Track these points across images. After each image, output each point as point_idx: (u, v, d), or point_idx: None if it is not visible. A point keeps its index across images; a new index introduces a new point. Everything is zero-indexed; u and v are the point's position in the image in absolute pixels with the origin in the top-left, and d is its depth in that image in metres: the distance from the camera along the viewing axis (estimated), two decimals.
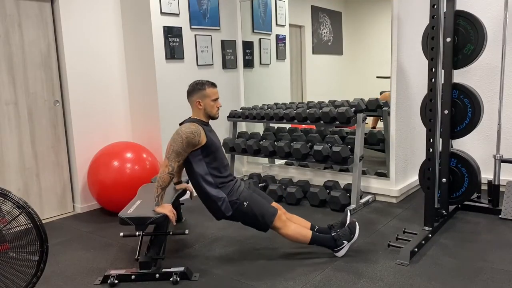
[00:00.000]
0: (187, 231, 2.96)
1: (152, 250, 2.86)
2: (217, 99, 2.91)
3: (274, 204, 3.08)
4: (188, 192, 3.29)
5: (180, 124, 2.88)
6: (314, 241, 2.91)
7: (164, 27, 4.23)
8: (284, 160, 4.93)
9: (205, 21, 4.62)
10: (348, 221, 3.02)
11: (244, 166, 5.27)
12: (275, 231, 2.90)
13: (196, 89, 2.88)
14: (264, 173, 4.90)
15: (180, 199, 3.49)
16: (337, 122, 3.96)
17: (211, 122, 2.98)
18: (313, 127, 4.66)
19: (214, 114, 2.92)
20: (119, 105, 4.48)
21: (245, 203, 2.85)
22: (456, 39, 3.32)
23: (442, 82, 3.25)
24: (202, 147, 2.81)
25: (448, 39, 3.27)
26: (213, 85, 2.92)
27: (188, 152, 2.78)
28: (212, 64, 4.75)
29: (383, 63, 4.26)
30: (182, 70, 4.44)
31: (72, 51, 4.06)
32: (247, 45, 5.17)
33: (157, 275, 2.71)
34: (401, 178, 4.15)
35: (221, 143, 4.73)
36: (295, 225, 2.93)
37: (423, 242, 3.02)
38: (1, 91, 3.73)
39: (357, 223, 2.96)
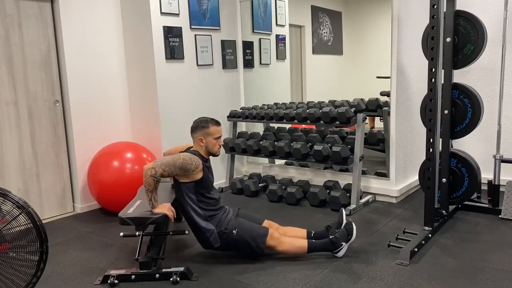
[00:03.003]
0: (187, 231, 2.96)
1: (152, 250, 2.86)
2: (219, 137, 2.95)
3: (266, 222, 3.09)
4: None
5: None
6: (312, 249, 2.93)
7: (164, 27, 4.22)
8: (284, 160, 4.93)
9: (205, 21, 4.62)
10: (344, 221, 3.02)
11: (244, 166, 5.27)
12: (272, 250, 2.91)
13: (199, 126, 2.92)
14: (264, 173, 4.90)
15: None
16: (337, 122, 3.96)
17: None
18: (313, 127, 4.66)
19: (215, 152, 2.96)
20: (119, 105, 4.48)
21: (234, 231, 2.88)
22: (456, 39, 3.32)
23: (442, 82, 3.25)
24: (196, 181, 2.84)
25: (448, 39, 3.27)
26: (217, 123, 2.95)
27: (174, 174, 2.78)
28: (212, 64, 4.75)
29: (383, 63, 4.26)
30: (182, 70, 4.44)
31: (72, 51, 4.06)
32: (247, 45, 5.17)
33: (157, 275, 2.71)
34: (401, 178, 4.15)
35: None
36: (289, 239, 2.94)
37: (423, 242, 3.02)
38: (1, 91, 3.73)
39: (353, 223, 2.96)
